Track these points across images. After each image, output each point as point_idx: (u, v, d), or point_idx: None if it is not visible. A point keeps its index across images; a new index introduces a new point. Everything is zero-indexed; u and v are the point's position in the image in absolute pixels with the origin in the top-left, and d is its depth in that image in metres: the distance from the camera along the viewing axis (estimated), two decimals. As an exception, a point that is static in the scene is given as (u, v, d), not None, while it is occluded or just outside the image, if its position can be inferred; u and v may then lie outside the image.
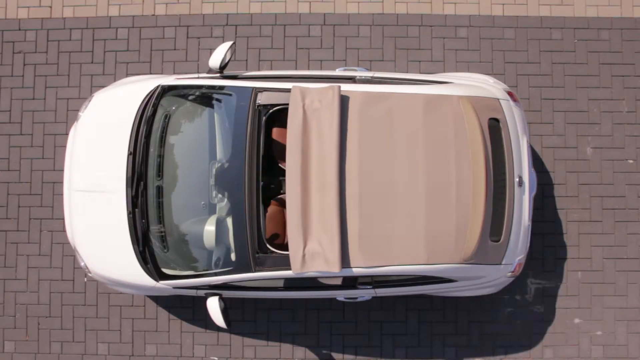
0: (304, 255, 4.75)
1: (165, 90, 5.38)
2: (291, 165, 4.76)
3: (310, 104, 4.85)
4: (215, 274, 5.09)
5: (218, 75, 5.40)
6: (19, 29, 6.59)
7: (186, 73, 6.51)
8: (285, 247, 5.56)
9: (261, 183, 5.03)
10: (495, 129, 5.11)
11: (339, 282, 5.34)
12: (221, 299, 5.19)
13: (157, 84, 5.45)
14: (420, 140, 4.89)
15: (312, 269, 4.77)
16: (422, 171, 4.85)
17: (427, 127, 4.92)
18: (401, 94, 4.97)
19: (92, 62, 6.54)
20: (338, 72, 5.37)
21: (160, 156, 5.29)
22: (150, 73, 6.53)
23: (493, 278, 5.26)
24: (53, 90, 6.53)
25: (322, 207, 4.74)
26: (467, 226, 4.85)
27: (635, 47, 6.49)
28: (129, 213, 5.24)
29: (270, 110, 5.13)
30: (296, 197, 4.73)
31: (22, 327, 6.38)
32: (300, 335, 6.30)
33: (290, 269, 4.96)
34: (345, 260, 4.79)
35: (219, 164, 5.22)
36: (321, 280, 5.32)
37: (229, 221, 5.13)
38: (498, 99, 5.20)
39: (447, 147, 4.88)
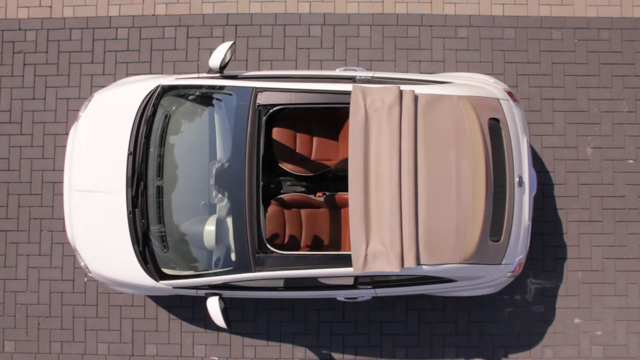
0: (366, 256, 4.74)
1: (165, 90, 5.38)
2: (354, 165, 4.75)
3: (371, 104, 4.84)
4: (215, 274, 5.09)
5: (218, 75, 5.40)
6: (19, 29, 6.59)
7: (186, 73, 6.51)
8: (284, 247, 5.56)
9: (261, 183, 5.03)
10: (495, 129, 5.11)
11: (340, 282, 5.34)
12: (221, 299, 5.19)
13: (157, 84, 5.45)
14: (421, 139, 4.89)
15: (374, 269, 4.76)
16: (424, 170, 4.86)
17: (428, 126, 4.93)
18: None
19: (92, 62, 6.54)
20: (338, 72, 5.37)
21: (160, 156, 5.29)
22: (150, 73, 6.53)
23: (493, 278, 5.26)
24: (53, 90, 6.53)
25: (383, 206, 4.72)
26: (467, 226, 4.85)
27: (635, 47, 6.49)
28: (129, 213, 5.24)
29: (270, 110, 5.12)
30: (359, 197, 4.72)
31: (22, 327, 6.38)
32: (300, 335, 6.30)
33: (288, 269, 4.96)
34: (405, 260, 4.78)
35: (219, 164, 5.21)
36: (321, 280, 5.33)
37: (229, 221, 5.13)
38: (498, 99, 5.20)
39: (447, 147, 4.88)
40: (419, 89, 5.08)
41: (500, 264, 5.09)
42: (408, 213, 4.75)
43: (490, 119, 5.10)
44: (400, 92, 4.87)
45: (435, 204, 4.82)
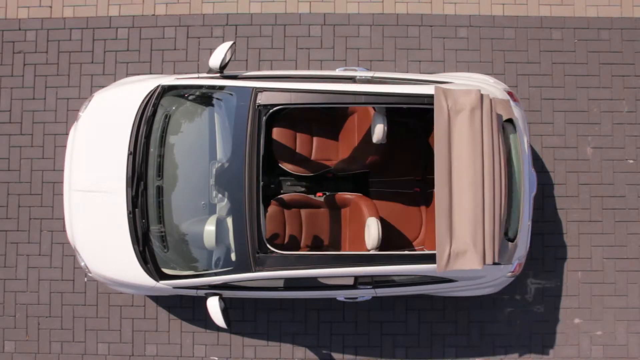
0: (449, 255, 4.76)
1: (165, 90, 5.38)
2: (440, 167, 4.76)
3: (453, 106, 4.84)
4: (216, 274, 5.09)
5: (218, 75, 5.40)
6: (19, 29, 6.59)
7: (186, 73, 6.51)
8: (284, 247, 5.56)
9: (261, 183, 5.03)
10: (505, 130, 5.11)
11: (340, 282, 5.34)
12: (221, 299, 5.19)
13: (157, 84, 5.45)
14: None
15: (456, 267, 4.78)
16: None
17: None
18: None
19: (92, 62, 6.54)
20: (338, 72, 5.37)
21: (160, 156, 5.29)
22: (150, 73, 6.53)
23: (493, 278, 5.26)
24: (53, 90, 6.53)
25: (465, 207, 4.76)
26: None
27: (635, 47, 6.49)
28: (129, 213, 5.23)
29: (270, 110, 5.12)
30: (445, 198, 4.75)
31: (22, 327, 6.38)
32: (300, 335, 6.30)
33: (289, 269, 4.96)
34: (486, 257, 4.81)
35: (219, 164, 5.21)
36: (321, 280, 5.33)
37: (229, 221, 5.13)
38: (509, 100, 5.21)
39: (492, 150, 4.90)
40: (421, 89, 5.07)
41: (501, 264, 5.09)
42: (489, 213, 4.79)
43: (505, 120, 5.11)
44: (481, 95, 4.86)
45: (490, 205, 4.86)
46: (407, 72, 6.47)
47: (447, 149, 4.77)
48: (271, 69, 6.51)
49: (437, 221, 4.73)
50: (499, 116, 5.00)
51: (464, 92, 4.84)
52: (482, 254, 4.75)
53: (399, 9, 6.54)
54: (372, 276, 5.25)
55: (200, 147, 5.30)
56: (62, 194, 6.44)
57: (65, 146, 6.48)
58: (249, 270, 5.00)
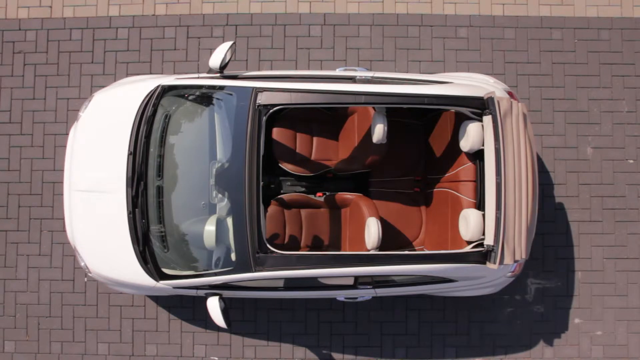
0: (499, 252, 4.85)
1: (165, 90, 5.38)
2: (489, 168, 4.89)
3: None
4: (216, 274, 5.09)
5: (218, 75, 5.39)
6: (19, 29, 6.59)
7: (186, 73, 6.51)
8: (285, 247, 5.55)
9: (261, 183, 5.03)
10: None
11: (340, 282, 5.34)
12: (221, 299, 5.19)
13: (157, 84, 5.45)
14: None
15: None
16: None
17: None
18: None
19: (92, 62, 6.54)
20: (338, 72, 5.37)
21: (161, 156, 5.29)
22: (150, 73, 6.53)
23: (493, 278, 5.26)
24: (53, 90, 6.53)
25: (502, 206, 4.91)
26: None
27: (635, 47, 6.49)
28: (129, 213, 5.23)
29: (270, 110, 5.12)
30: (496, 197, 4.89)
31: (22, 327, 6.38)
32: (300, 335, 6.30)
33: (289, 269, 4.96)
34: (515, 255, 4.93)
35: (219, 164, 5.21)
36: (321, 280, 5.32)
37: (229, 221, 5.12)
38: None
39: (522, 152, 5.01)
40: (421, 89, 5.08)
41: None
42: (518, 212, 4.90)
43: None
44: (511, 102, 4.94)
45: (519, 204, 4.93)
46: (407, 72, 6.47)
47: (501, 151, 4.89)
48: (271, 69, 6.51)
49: (487, 221, 4.87)
50: (526, 121, 5.07)
51: (499, 99, 4.94)
52: (513, 250, 4.85)
53: (399, 9, 6.55)
54: (372, 276, 5.26)
55: (200, 147, 5.30)
56: (62, 194, 6.44)
57: (65, 146, 6.48)
58: (249, 270, 5.00)
